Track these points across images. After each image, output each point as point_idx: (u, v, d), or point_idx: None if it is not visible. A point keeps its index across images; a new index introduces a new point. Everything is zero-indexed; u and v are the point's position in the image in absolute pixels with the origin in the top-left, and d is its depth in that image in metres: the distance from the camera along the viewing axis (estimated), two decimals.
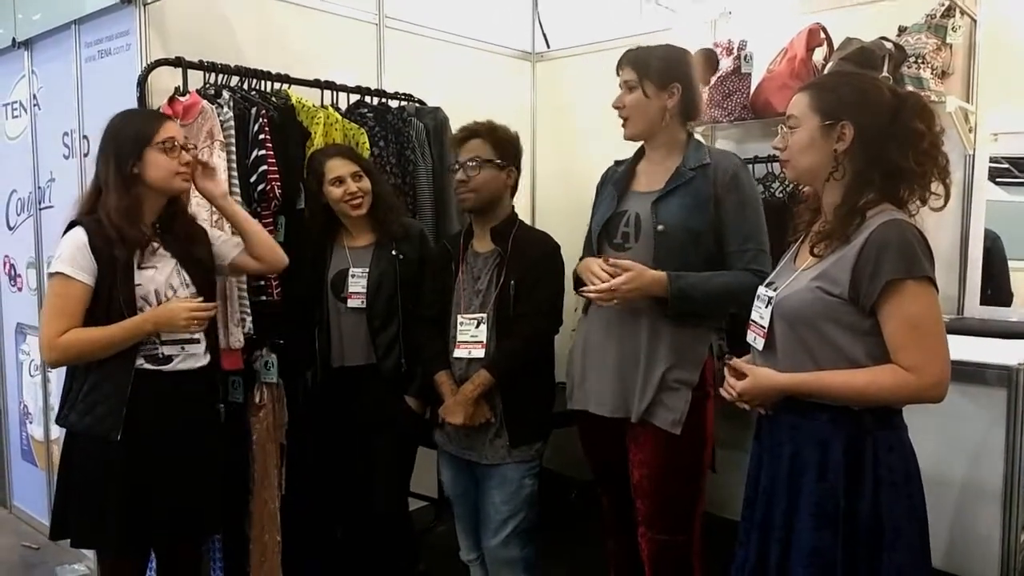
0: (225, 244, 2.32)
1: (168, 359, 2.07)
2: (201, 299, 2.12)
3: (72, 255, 2.00)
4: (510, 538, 2.37)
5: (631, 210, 2.15)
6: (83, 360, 2.02)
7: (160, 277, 2.07)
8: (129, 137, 2.07)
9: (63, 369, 2.13)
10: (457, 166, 2.37)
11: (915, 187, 1.61)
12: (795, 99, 1.70)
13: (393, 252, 2.54)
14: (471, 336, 2.33)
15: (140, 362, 2.04)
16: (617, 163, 2.32)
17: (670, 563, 2.16)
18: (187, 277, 2.14)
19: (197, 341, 2.12)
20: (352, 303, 2.52)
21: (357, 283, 2.52)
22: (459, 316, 2.37)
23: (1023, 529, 2.35)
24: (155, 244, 2.09)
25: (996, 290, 2.89)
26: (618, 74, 2.17)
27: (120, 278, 2.00)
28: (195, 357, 2.12)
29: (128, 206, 2.03)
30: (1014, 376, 2.26)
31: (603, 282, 2.01)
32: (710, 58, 2.18)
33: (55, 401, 3.33)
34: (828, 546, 1.59)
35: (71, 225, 2.07)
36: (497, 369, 2.29)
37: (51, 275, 2.02)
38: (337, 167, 2.50)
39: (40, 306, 3.42)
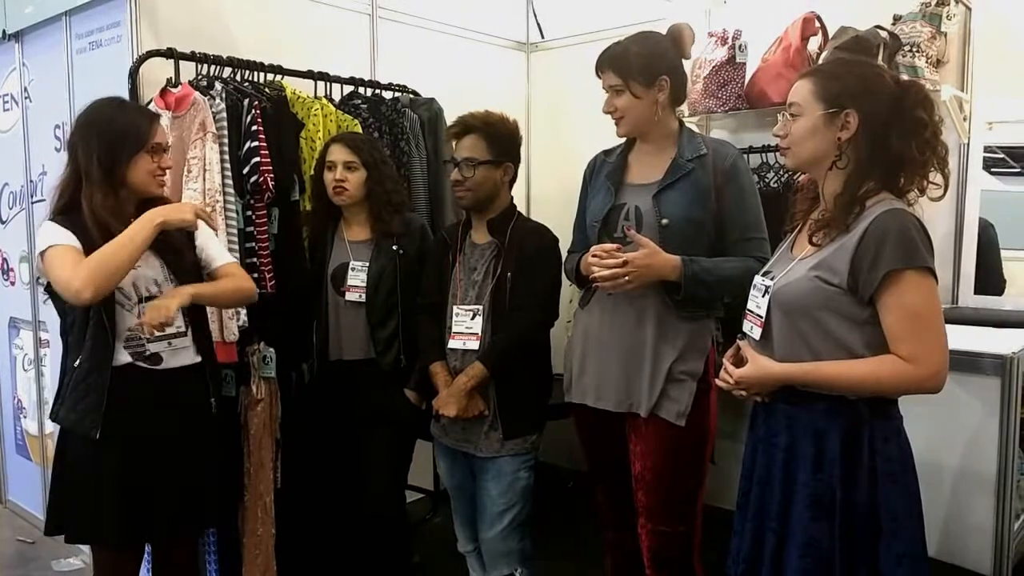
0: (208, 251, 2.17)
1: (158, 358, 2.04)
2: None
3: (55, 234, 1.94)
4: (507, 530, 2.36)
5: (630, 203, 2.12)
6: (112, 279, 1.88)
7: (144, 272, 2.01)
8: (122, 135, 1.98)
9: (57, 364, 2.10)
10: (453, 164, 2.35)
11: (915, 176, 1.61)
12: (797, 86, 1.68)
13: (394, 247, 2.52)
14: (466, 328, 2.32)
15: (127, 359, 2.00)
16: (605, 152, 2.28)
17: (670, 555, 2.15)
18: (172, 275, 2.07)
19: (184, 335, 2.08)
20: (350, 296, 2.51)
21: (357, 277, 2.51)
22: (455, 307, 2.36)
23: (1017, 518, 2.36)
24: None
25: (987, 276, 2.90)
26: (598, 75, 2.12)
27: None
28: (184, 353, 2.08)
29: (114, 205, 1.97)
30: (1008, 365, 2.26)
31: (612, 266, 1.96)
32: (685, 32, 2.13)
33: (49, 395, 3.32)
34: (824, 537, 1.59)
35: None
36: (491, 362, 2.27)
37: (42, 254, 1.94)
38: (334, 152, 2.50)
39: (34, 300, 3.41)
